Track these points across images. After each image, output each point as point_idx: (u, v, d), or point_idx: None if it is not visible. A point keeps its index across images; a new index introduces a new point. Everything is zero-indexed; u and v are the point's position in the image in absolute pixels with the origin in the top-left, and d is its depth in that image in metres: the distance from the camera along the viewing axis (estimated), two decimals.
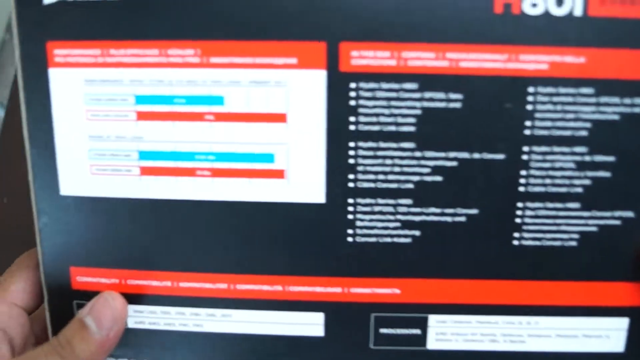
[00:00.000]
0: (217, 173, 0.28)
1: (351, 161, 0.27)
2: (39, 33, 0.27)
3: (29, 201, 0.30)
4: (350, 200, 0.28)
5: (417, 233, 0.28)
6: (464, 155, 0.27)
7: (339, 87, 0.27)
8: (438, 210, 0.28)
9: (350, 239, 0.28)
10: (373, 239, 0.28)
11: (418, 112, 0.27)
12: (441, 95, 0.27)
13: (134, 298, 0.30)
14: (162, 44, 0.27)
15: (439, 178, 0.27)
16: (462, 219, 0.28)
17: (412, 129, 0.27)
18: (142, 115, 0.28)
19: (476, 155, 0.27)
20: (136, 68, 0.27)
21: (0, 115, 0.40)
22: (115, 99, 0.28)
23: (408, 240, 0.28)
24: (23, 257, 0.31)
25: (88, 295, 0.29)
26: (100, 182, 0.28)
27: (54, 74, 0.27)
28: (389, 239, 0.28)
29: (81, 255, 0.29)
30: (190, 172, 0.28)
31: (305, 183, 0.28)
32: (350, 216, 0.28)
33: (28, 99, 0.28)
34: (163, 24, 0.27)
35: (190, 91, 0.27)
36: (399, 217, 0.28)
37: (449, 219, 0.28)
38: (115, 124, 0.28)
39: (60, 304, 0.30)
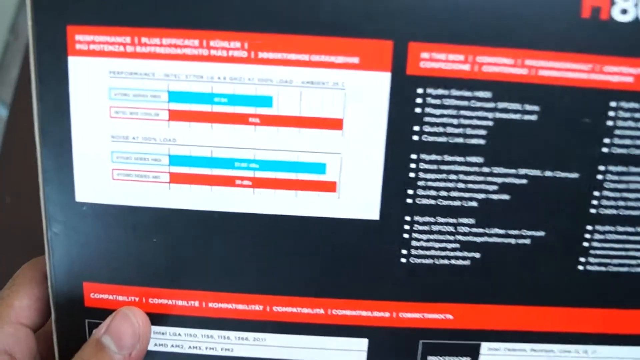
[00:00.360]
0: (259, 183, 0.24)
1: (411, 175, 0.24)
2: (57, 15, 0.23)
3: (32, 201, 0.26)
4: (407, 218, 0.25)
5: (477, 255, 0.25)
6: (535, 172, 0.24)
7: (404, 92, 0.23)
8: (502, 232, 0.25)
9: (403, 260, 0.25)
10: (429, 261, 0.25)
11: (489, 123, 0.24)
12: (516, 106, 0.23)
13: (156, 318, 0.26)
14: (203, 34, 0.23)
15: (505, 196, 0.24)
16: (527, 241, 0.25)
17: (481, 141, 0.24)
18: (175, 115, 0.24)
19: (548, 173, 0.24)
20: (172, 60, 0.23)
21: (4, 114, 0.37)
22: (145, 95, 0.24)
23: (466, 262, 0.25)
24: (26, 268, 0.27)
25: (103, 314, 0.25)
26: (123, 188, 0.24)
27: (74, 63, 0.23)
28: (446, 261, 0.25)
29: (97, 269, 0.25)
30: (228, 182, 0.24)
31: (357, 197, 0.24)
32: (405, 235, 0.25)
33: (42, 91, 0.24)
34: (206, 11, 0.23)
35: (234, 89, 0.23)
36: (459, 237, 0.25)
37: (512, 240, 0.25)
38: (144, 124, 0.24)
39: (70, 323, 0.26)
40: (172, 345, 0.26)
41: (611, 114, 0.24)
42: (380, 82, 0.23)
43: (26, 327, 0.25)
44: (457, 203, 0.24)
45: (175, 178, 0.24)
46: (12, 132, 0.25)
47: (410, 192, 0.24)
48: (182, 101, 0.24)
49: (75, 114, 0.24)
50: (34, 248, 0.27)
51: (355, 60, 0.23)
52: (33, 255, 0.27)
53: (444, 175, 0.24)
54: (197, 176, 0.24)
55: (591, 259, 0.25)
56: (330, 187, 0.24)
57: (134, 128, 0.24)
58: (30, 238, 0.29)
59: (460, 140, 0.24)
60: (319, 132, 0.24)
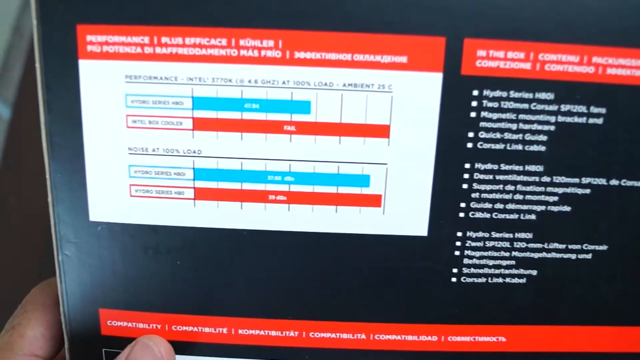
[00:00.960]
0: (295, 198, 0.21)
1: (464, 186, 0.21)
2: (66, 13, 0.20)
3: (36, 201, 0.23)
4: (459, 233, 0.22)
5: (533, 273, 0.22)
6: (600, 181, 0.21)
7: (458, 94, 0.20)
8: (561, 246, 0.22)
9: (454, 279, 0.22)
10: (482, 280, 0.22)
11: (551, 128, 0.21)
12: (581, 108, 0.20)
13: (181, 347, 0.23)
14: (232, 32, 0.20)
15: (567, 208, 0.21)
16: (588, 256, 0.22)
17: (542, 148, 0.21)
18: (200, 124, 0.21)
19: (614, 182, 0.21)
20: (196, 62, 0.20)
21: (8, 114, 0.34)
22: (166, 101, 0.20)
23: (522, 280, 0.22)
24: (37, 293, 0.24)
25: (121, 342, 0.22)
26: (142, 206, 0.21)
27: (85, 67, 0.20)
28: (500, 280, 0.22)
29: (114, 295, 0.22)
30: (260, 197, 0.21)
31: (404, 212, 0.21)
32: (457, 252, 0.22)
33: (50, 99, 0.20)
34: (235, 6, 0.19)
35: (267, 94, 0.20)
36: (515, 253, 0.22)
37: (572, 256, 0.22)
38: (165, 134, 0.21)
39: (85, 353, 0.23)
40: None
41: None
42: (431, 84, 0.20)
43: (40, 358, 0.22)
44: (513, 216, 0.21)
45: (201, 194, 0.21)
46: (16, 132, 0.23)
47: (462, 205, 0.21)
48: (208, 108, 0.20)
49: (87, 124, 0.21)
50: (38, 248, 0.25)
51: (403, 59, 0.20)
52: (37, 255, 0.25)
53: (500, 186, 0.21)
54: (225, 191, 0.21)
55: None
56: (374, 201, 0.21)
57: (153, 139, 0.21)
58: (34, 238, 0.27)
59: (519, 147, 0.21)
60: (362, 140, 0.20)
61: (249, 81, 0.20)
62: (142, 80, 0.20)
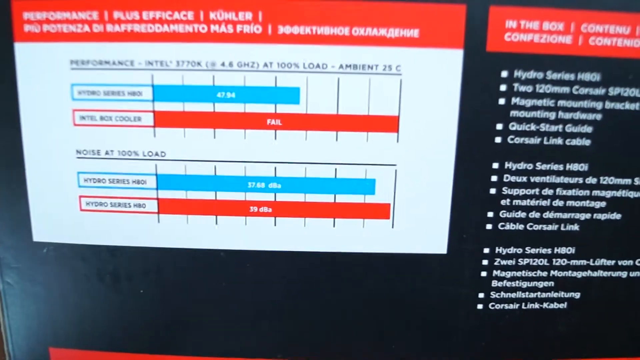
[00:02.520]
0: (282, 210, 0.16)
1: (492, 191, 0.16)
2: None
3: None
4: (486, 250, 0.16)
5: (576, 295, 0.17)
6: None
7: (483, 76, 0.15)
8: (610, 263, 0.17)
9: (480, 306, 0.17)
10: (514, 306, 0.17)
11: (598, 117, 0.16)
12: (634, 92, 0.15)
13: None
14: (200, 3, 0.15)
15: (616, 216, 0.16)
16: None
17: (586, 142, 0.16)
18: (163, 119, 0.15)
19: None
20: (156, 42, 0.15)
21: None
22: (121, 92, 0.15)
23: (563, 305, 0.17)
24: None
25: None
26: (95, 222, 0.16)
27: (22, 51, 0.15)
28: (536, 305, 0.17)
29: (65, 331, 0.17)
30: (240, 209, 0.16)
31: (418, 225, 0.16)
32: (483, 273, 0.17)
33: None
34: None
35: (245, 80, 0.15)
36: (555, 272, 0.17)
37: (623, 273, 0.17)
38: (120, 132, 0.16)
39: None
40: None
41: None
42: (449, 63, 0.15)
43: None
44: (552, 227, 0.16)
45: (166, 206, 0.16)
46: None
47: (490, 214, 0.16)
48: (173, 99, 0.15)
49: (26, 122, 0.16)
50: None
51: (414, 33, 0.15)
52: None
53: (536, 190, 0.16)
54: (196, 203, 0.16)
55: None
56: (381, 211, 0.16)
57: (106, 139, 0.16)
58: None
59: (558, 141, 0.16)
60: (364, 136, 0.15)
61: (222, 64, 0.15)
62: (91, 66, 0.15)
